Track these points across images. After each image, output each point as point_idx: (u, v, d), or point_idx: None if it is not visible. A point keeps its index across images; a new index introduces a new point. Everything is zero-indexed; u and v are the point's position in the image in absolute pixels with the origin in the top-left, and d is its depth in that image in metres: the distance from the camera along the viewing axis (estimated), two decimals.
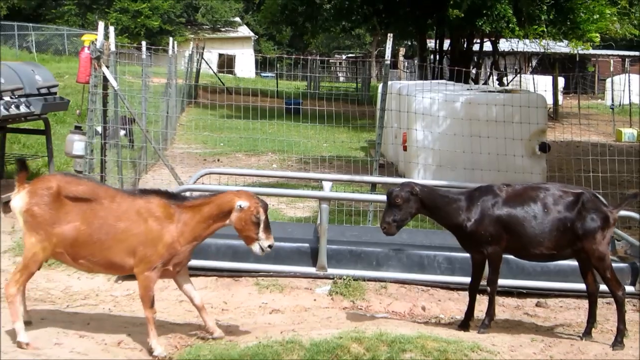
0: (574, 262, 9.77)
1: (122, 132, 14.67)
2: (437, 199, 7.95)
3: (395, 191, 7.80)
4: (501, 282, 9.49)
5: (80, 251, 7.22)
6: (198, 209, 7.34)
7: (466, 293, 9.62)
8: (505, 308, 9.41)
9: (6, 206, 12.76)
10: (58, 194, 7.16)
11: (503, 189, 8.03)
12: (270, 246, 7.31)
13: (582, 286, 9.51)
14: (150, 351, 7.29)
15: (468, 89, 17.81)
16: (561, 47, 36.80)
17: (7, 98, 12.66)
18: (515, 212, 7.82)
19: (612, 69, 39.17)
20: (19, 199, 7.18)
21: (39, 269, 7.49)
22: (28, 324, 7.53)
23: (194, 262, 9.36)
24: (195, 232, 7.36)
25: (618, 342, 7.79)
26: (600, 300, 9.61)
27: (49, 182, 7.28)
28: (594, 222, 7.76)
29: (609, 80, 41.33)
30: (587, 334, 8.17)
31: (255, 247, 7.30)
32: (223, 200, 7.37)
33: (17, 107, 12.85)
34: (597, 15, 29.36)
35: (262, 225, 7.25)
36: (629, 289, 9.43)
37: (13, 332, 7.26)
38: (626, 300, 8.19)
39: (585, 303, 9.56)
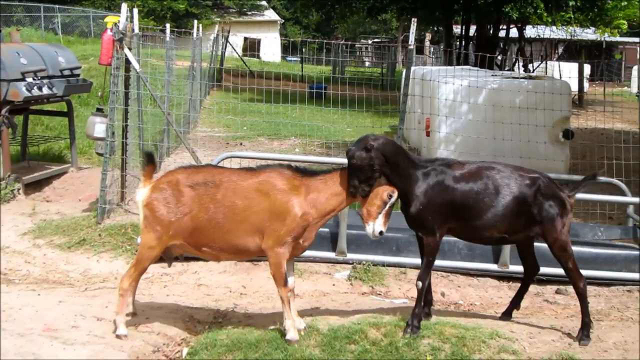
0: (600, 250, 9.81)
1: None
2: (399, 156, 7.10)
3: (352, 150, 6.94)
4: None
5: (201, 239, 7.12)
6: (334, 181, 7.15)
7: (486, 279, 9.63)
8: (526, 294, 9.34)
9: (27, 188, 12.85)
10: (177, 185, 7.11)
11: (454, 165, 7.30)
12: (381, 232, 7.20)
13: (603, 274, 9.57)
14: (282, 333, 7.04)
15: (492, 75, 17.69)
16: (588, 34, 36.60)
17: (29, 79, 12.71)
18: (468, 193, 7.15)
19: (639, 56, 38.90)
20: (142, 193, 7.21)
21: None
22: (132, 315, 7.66)
23: None
24: (330, 205, 7.12)
25: (585, 336, 7.33)
26: (620, 288, 9.61)
27: (171, 176, 7.29)
28: (551, 208, 7.23)
29: (635, 67, 41.09)
30: (507, 314, 8.05)
31: (370, 228, 7.16)
32: None
33: (40, 88, 12.92)
34: (625, 2, 29.24)
35: (386, 208, 7.11)
36: None
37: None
38: None
39: (605, 290, 9.57)
